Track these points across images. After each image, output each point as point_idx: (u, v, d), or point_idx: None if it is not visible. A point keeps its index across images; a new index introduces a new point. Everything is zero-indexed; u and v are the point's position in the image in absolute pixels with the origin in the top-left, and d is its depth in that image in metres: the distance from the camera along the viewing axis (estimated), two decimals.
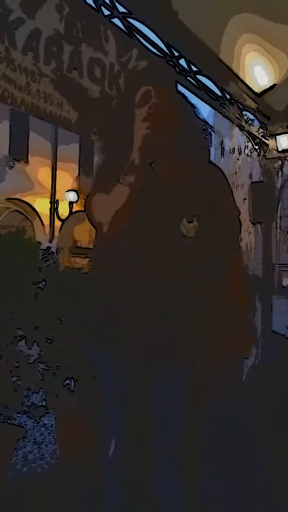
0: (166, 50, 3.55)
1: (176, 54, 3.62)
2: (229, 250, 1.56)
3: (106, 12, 3.04)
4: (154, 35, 3.45)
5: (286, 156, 5.02)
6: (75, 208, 14.44)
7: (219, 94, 4.12)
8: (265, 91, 4.23)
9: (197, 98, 3.72)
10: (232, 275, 1.54)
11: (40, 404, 2.63)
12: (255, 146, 4.85)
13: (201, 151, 1.59)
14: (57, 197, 14.97)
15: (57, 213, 14.82)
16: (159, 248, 1.45)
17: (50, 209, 14.88)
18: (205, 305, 1.47)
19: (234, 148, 4.83)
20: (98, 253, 1.61)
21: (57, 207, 14.81)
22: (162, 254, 1.45)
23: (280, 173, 5.32)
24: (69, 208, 14.55)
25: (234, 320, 1.51)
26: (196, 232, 1.45)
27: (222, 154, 4.80)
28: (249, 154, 4.91)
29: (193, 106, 1.61)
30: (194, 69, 3.78)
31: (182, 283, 1.44)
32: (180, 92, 1.62)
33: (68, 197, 14.55)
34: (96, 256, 1.63)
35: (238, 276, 1.58)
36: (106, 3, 3.03)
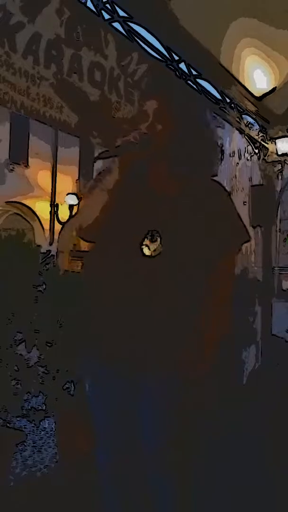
0: (166, 54, 3.56)
1: (176, 58, 3.63)
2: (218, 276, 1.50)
3: (107, 16, 3.05)
4: (154, 39, 3.46)
5: (286, 160, 5.03)
6: (75, 211, 14.45)
7: (219, 97, 4.13)
8: (265, 94, 4.25)
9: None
10: (221, 283, 1.50)
11: (39, 408, 2.62)
12: (255, 150, 4.86)
13: (203, 170, 1.55)
14: (57, 200, 14.98)
15: (57, 216, 14.83)
16: (129, 261, 1.43)
17: (50, 212, 14.88)
18: (194, 311, 1.45)
19: (234, 152, 4.83)
20: (89, 258, 1.60)
21: (57, 210, 14.81)
22: (145, 263, 1.43)
23: (280, 176, 5.33)
24: (69, 211, 14.56)
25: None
26: (157, 253, 1.41)
27: (222, 157, 4.80)
28: (249, 157, 4.92)
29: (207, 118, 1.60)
30: (194, 73, 3.80)
31: (169, 290, 1.42)
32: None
33: (68, 200, 14.56)
34: (87, 262, 1.62)
35: (226, 286, 1.52)
36: (107, 7, 3.04)
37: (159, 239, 1.42)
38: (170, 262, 1.42)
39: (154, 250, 1.42)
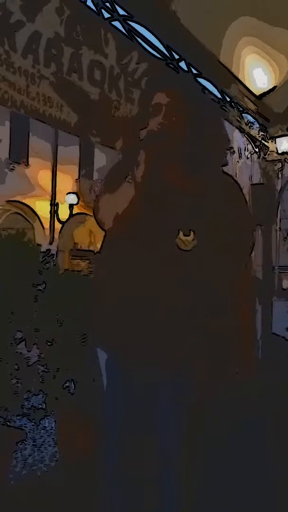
0: (167, 53, 3.55)
1: (177, 56, 3.63)
2: (238, 265, 1.54)
3: (107, 15, 3.05)
4: (154, 38, 3.46)
5: (286, 158, 5.03)
6: (75, 210, 14.44)
7: (219, 96, 4.12)
8: (265, 93, 4.24)
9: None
10: (239, 288, 1.52)
11: (40, 406, 2.63)
12: (255, 148, 4.86)
13: (217, 161, 1.56)
14: (57, 199, 14.98)
15: (57, 216, 14.83)
16: (162, 255, 1.44)
17: (50, 211, 14.88)
18: (208, 311, 1.46)
19: (234, 150, 4.83)
20: (102, 255, 1.59)
21: (57, 210, 14.81)
22: (166, 261, 1.44)
23: (280, 175, 5.32)
24: (69, 211, 14.56)
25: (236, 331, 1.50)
26: (193, 246, 1.43)
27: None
28: (249, 156, 4.92)
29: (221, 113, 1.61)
30: (194, 71, 3.79)
31: (184, 289, 1.43)
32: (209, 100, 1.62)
33: (68, 199, 14.55)
34: (100, 258, 1.62)
35: (245, 290, 1.56)
36: (107, 6, 3.04)
37: (192, 234, 1.43)
38: (198, 257, 1.43)
39: (189, 244, 1.43)
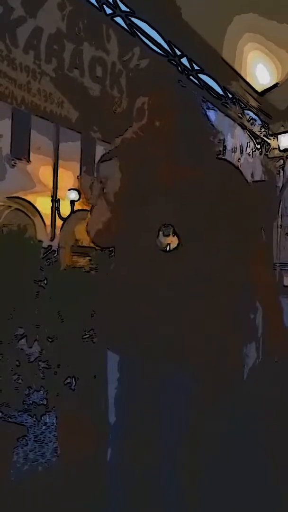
0: (168, 49, 3.55)
1: (178, 53, 3.62)
2: (250, 250, 1.55)
3: (109, 11, 3.04)
4: (156, 34, 3.45)
5: None
6: (77, 207, 14.41)
7: (221, 93, 4.12)
8: (267, 90, 4.23)
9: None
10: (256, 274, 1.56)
11: (41, 402, 2.63)
12: (257, 145, 4.85)
13: (208, 149, 1.55)
14: (58, 196, 14.96)
15: (59, 212, 14.81)
16: (146, 256, 1.44)
17: (52, 207, 14.87)
18: (212, 304, 1.46)
19: (235, 147, 4.82)
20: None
21: (59, 206, 14.80)
22: (164, 255, 1.44)
23: (281, 172, 5.31)
24: (71, 207, 14.54)
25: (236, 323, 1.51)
26: (172, 246, 1.42)
27: (224, 153, 4.79)
28: (250, 153, 4.90)
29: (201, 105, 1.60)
30: (196, 68, 3.78)
31: (187, 284, 1.44)
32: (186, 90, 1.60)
33: (69, 196, 14.53)
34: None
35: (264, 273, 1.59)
36: (109, 2, 3.03)
37: (171, 232, 1.43)
38: (192, 254, 1.43)
39: (169, 244, 1.43)
